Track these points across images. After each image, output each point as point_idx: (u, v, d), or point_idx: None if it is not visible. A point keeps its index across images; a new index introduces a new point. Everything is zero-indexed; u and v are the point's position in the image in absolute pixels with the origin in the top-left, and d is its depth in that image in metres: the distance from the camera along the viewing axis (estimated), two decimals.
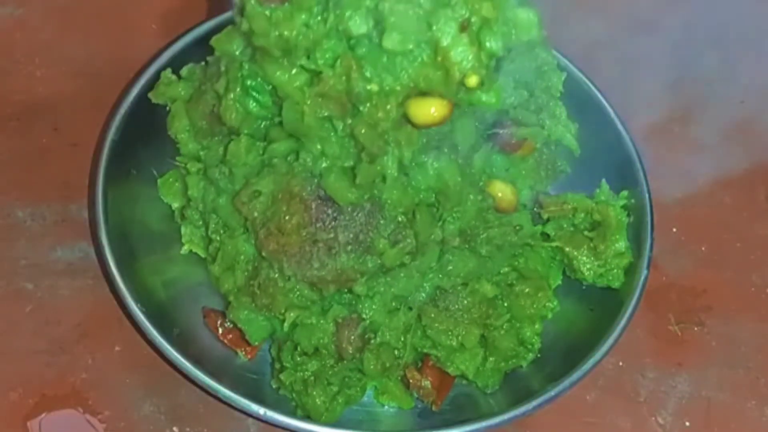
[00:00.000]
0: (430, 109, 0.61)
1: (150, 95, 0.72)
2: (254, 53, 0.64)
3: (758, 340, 0.80)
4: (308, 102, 0.62)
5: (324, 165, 0.64)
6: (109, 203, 0.70)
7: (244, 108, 0.66)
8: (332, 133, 0.63)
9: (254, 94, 0.66)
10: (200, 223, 0.72)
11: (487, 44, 0.60)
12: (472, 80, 0.60)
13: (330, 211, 0.65)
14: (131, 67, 0.80)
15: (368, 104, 0.61)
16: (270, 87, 0.65)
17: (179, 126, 0.71)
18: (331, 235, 0.65)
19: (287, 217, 0.65)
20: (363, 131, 0.61)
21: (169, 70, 0.72)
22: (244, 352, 0.72)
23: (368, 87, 0.60)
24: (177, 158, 0.73)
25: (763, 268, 0.83)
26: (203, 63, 0.72)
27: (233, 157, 0.67)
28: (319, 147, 0.64)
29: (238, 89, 0.66)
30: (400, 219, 0.65)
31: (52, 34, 0.87)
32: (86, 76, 0.85)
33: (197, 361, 0.66)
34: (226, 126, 0.68)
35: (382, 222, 0.65)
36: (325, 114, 0.62)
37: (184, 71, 0.73)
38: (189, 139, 0.72)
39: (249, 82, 0.65)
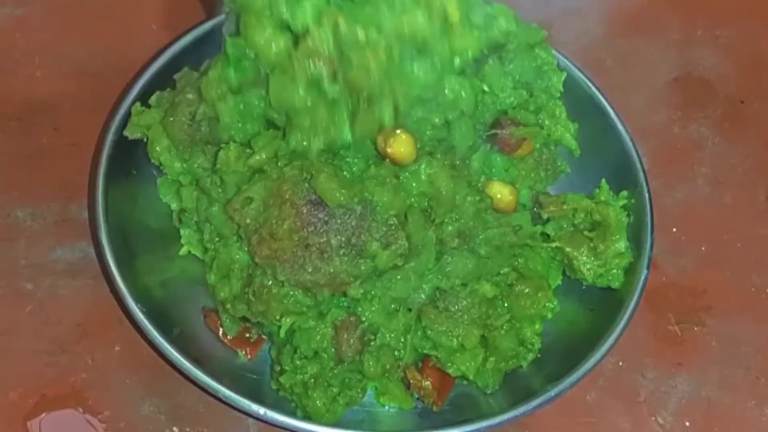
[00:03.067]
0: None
1: (125, 133, 0.72)
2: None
3: (758, 340, 0.80)
4: (297, 62, 0.62)
5: (315, 141, 0.64)
6: (109, 203, 0.70)
7: (226, 81, 0.66)
8: (321, 100, 0.63)
9: (235, 61, 0.66)
10: (196, 228, 0.72)
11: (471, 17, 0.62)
12: (454, 13, 0.61)
13: (321, 215, 0.65)
14: (131, 67, 0.80)
15: (359, 53, 0.61)
16: (252, 55, 0.64)
17: (160, 148, 0.71)
18: (323, 239, 0.65)
19: (279, 222, 0.65)
20: (358, 76, 0.61)
21: (138, 104, 0.72)
22: (244, 353, 0.72)
23: (357, 33, 0.61)
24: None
25: (763, 268, 0.83)
26: (168, 89, 0.73)
27: (223, 164, 0.67)
28: (308, 122, 0.63)
29: (220, 64, 0.66)
30: (391, 221, 0.65)
31: (52, 34, 0.87)
32: (86, 76, 0.85)
33: (197, 361, 0.66)
34: (204, 125, 0.69)
35: (373, 225, 0.65)
36: (314, 70, 0.62)
37: (152, 100, 0.73)
38: (172, 159, 0.72)
39: (231, 51, 0.65)
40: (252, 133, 0.68)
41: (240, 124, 0.67)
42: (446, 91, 0.67)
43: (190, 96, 0.70)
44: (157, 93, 0.73)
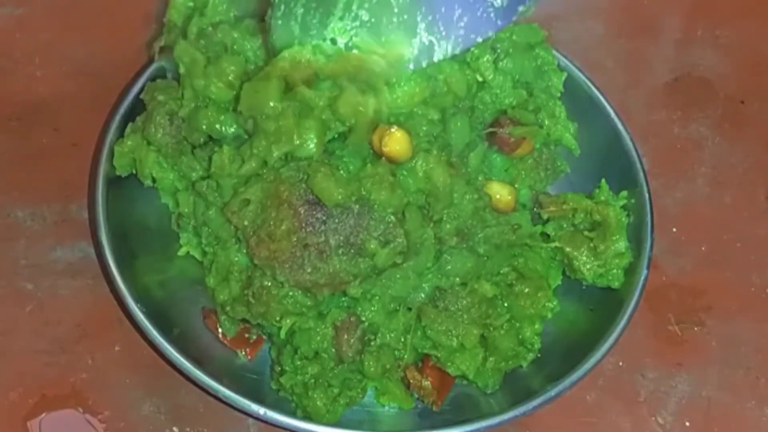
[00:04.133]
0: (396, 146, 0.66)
1: (119, 173, 0.72)
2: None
3: (758, 340, 0.80)
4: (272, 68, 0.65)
5: (275, 148, 0.64)
6: (109, 203, 0.70)
7: (195, 47, 0.68)
8: (290, 107, 0.64)
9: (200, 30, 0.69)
10: (194, 232, 0.72)
11: None
12: None
13: (319, 215, 0.65)
14: (131, 67, 0.80)
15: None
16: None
17: (150, 162, 0.71)
18: (322, 239, 0.64)
19: (277, 223, 0.65)
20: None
21: (120, 140, 0.72)
22: (244, 353, 0.72)
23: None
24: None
25: (763, 268, 0.83)
26: (138, 117, 0.73)
27: (218, 168, 0.67)
28: (273, 127, 0.64)
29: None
30: (389, 219, 0.65)
31: (52, 34, 0.87)
32: (86, 76, 0.85)
33: (197, 361, 0.66)
34: (185, 127, 0.69)
35: (371, 223, 0.65)
36: (289, 76, 0.64)
37: (127, 131, 0.72)
38: (165, 171, 0.71)
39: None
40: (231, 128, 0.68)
41: (215, 106, 0.68)
42: (435, 72, 0.68)
43: (161, 98, 0.70)
44: (130, 124, 0.73)
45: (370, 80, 0.65)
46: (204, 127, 0.68)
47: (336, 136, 0.66)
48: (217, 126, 0.67)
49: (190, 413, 0.72)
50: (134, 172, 0.72)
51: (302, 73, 0.65)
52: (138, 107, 0.73)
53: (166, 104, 0.70)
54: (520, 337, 0.71)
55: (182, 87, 0.69)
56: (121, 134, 0.72)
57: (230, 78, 0.67)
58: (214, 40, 0.68)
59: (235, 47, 0.68)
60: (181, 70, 0.69)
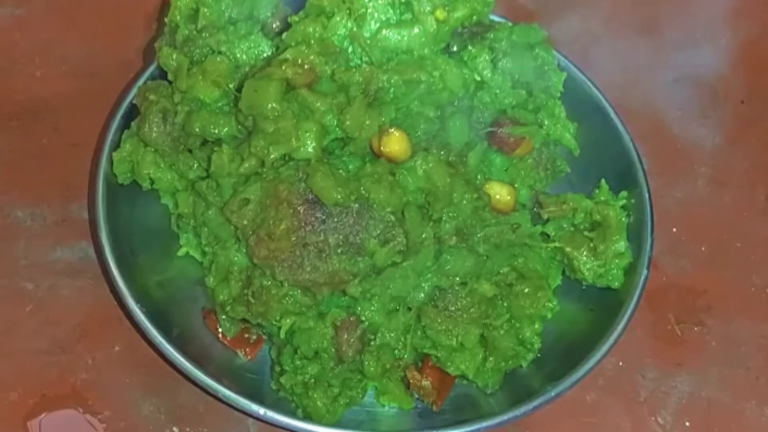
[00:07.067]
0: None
1: (120, 182, 0.72)
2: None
3: (758, 340, 0.80)
4: (275, 67, 0.65)
5: (273, 150, 0.65)
6: (109, 203, 0.70)
7: (180, 52, 0.69)
8: (290, 109, 0.65)
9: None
10: (194, 233, 0.72)
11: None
12: None
13: (319, 214, 0.65)
14: (131, 67, 0.80)
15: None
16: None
17: (148, 164, 0.71)
18: (321, 238, 0.65)
19: (276, 223, 0.65)
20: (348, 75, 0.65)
21: (115, 152, 0.72)
22: (244, 353, 0.72)
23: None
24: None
25: (763, 268, 0.83)
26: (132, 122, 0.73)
27: (217, 168, 0.67)
28: (272, 128, 0.64)
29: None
30: (388, 219, 0.65)
31: (52, 34, 0.87)
32: (86, 76, 0.85)
33: (197, 361, 0.66)
34: (178, 123, 0.69)
35: (371, 222, 0.65)
36: (291, 76, 0.65)
37: (123, 136, 0.72)
38: (163, 171, 0.71)
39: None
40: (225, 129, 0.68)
41: (207, 109, 0.68)
42: (430, 68, 0.68)
43: (152, 97, 0.70)
44: (125, 131, 0.73)
45: (379, 94, 0.65)
46: (197, 130, 0.67)
47: (335, 138, 0.67)
48: (211, 128, 0.67)
49: (190, 413, 0.72)
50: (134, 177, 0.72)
51: (305, 77, 0.64)
52: (137, 108, 0.73)
53: (158, 103, 0.70)
54: (520, 337, 0.71)
55: (173, 92, 0.69)
56: (121, 134, 0.72)
57: (215, 77, 0.67)
58: (199, 43, 0.68)
59: (222, 49, 0.68)
60: (170, 76, 0.69)
